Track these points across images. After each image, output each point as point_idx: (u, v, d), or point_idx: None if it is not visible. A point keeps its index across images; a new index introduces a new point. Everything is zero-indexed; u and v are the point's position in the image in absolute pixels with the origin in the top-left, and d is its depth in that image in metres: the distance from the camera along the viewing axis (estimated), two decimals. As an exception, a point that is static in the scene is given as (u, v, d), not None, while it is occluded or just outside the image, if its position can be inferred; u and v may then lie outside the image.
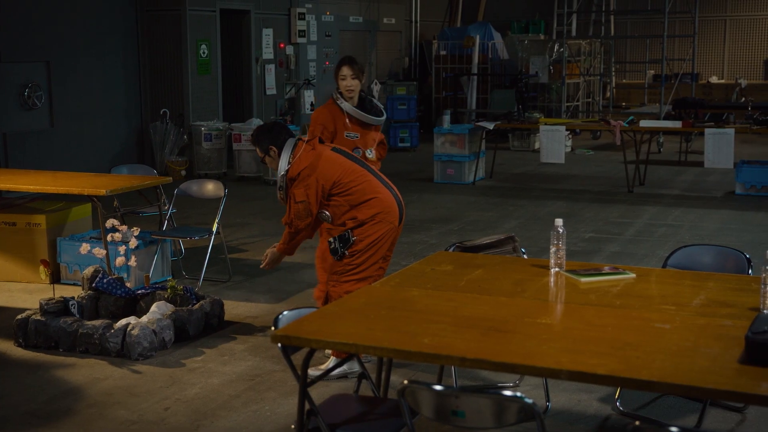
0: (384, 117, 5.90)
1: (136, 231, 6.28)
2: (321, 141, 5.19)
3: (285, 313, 3.53)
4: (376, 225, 4.99)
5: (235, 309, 6.32)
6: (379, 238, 5.00)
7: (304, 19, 15.09)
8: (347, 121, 5.74)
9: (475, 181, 12.05)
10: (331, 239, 5.03)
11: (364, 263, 4.99)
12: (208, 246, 6.99)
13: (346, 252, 4.97)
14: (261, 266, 5.31)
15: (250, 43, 14.09)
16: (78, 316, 5.63)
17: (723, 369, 2.80)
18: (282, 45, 14.74)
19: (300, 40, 15.06)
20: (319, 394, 4.38)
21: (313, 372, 4.60)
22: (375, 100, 5.97)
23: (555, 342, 3.12)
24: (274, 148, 5.08)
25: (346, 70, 5.72)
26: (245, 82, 14.19)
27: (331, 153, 5.10)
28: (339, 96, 5.76)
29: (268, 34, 14.39)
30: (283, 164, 5.02)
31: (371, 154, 5.85)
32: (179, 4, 12.75)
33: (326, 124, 5.72)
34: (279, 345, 3.29)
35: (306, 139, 5.14)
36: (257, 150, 5.16)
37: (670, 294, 3.74)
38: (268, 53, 14.41)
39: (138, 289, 5.96)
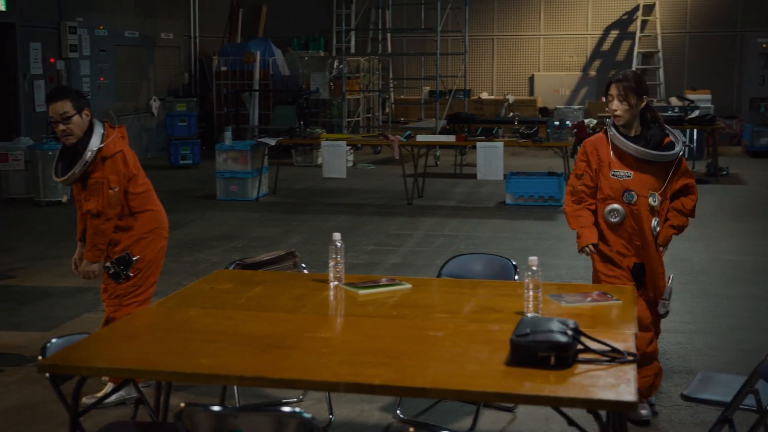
0: (673, 151, 4.48)
1: None
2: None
3: (54, 340, 3.36)
4: (154, 241, 4.84)
5: (1, 339, 5.94)
6: (157, 255, 4.86)
7: (75, 33, 14.48)
8: (612, 154, 4.54)
9: (259, 197, 12.01)
10: (109, 264, 4.79)
11: (145, 283, 4.83)
12: (-29, 273, 6.53)
13: (130, 274, 4.77)
14: (82, 278, 4.93)
15: (17, 58, 13.33)
16: None
17: (491, 372, 2.94)
18: (52, 60, 14.07)
19: (72, 55, 14.43)
20: (95, 422, 4.20)
21: (87, 400, 4.40)
22: (668, 129, 4.59)
23: (333, 355, 3.16)
24: (89, 112, 4.74)
25: (613, 89, 4.50)
26: (12, 98, 13.39)
27: (130, 150, 4.86)
28: (610, 122, 4.62)
29: (36, 48, 13.68)
30: (96, 140, 4.67)
31: (656, 200, 4.52)
32: (-66, 15, 11.88)
33: (590, 157, 4.58)
34: (47, 375, 3.13)
35: (110, 124, 4.83)
36: (67, 104, 4.63)
37: (443, 302, 3.89)
38: (36, 68, 13.70)
39: None
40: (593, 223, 4.57)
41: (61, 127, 4.66)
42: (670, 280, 4.58)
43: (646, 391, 4.53)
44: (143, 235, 4.82)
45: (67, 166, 4.77)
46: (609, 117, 4.59)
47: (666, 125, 4.58)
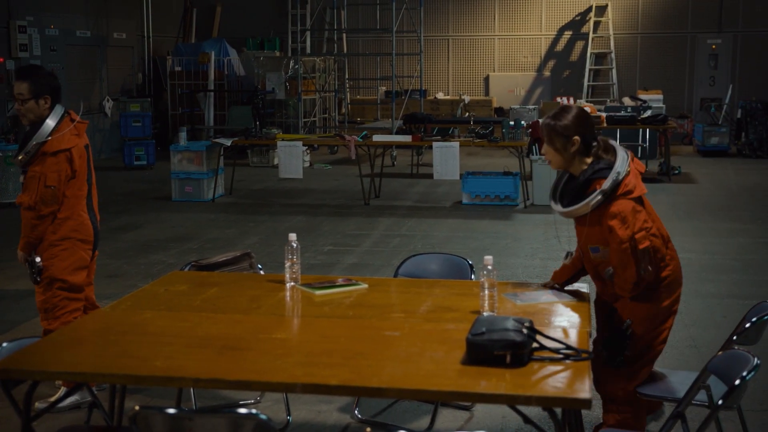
0: (580, 203, 3.73)
1: None
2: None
3: (5, 344, 3.31)
4: (68, 251, 4.64)
5: (-48, 344, 5.83)
6: (72, 266, 4.66)
7: (25, 32, 14.26)
8: None
9: (215, 198, 11.93)
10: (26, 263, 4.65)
11: (73, 294, 4.67)
12: None
13: (37, 279, 4.58)
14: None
15: (-34, 57, 13.11)
16: None
17: (446, 371, 2.95)
18: (1, 59, 13.84)
19: (22, 55, 14.21)
20: (49, 427, 4.15)
21: (40, 405, 4.34)
22: (614, 163, 3.73)
23: (290, 356, 3.15)
24: (50, 99, 4.55)
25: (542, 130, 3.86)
26: (-39, 98, 13.18)
27: (82, 150, 4.68)
28: None
29: (-15, 48, 13.47)
30: (43, 133, 4.49)
31: (598, 253, 3.77)
32: None
33: None
34: (-3, 380, 3.09)
35: (73, 116, 4.64)
36: (25, 86, 4.48)
37: (399, 302, 3.89)
38: (-14, 68, 13.49)
39: None
40: (578, 261, 3.98)
41: (17, 106, 4.57)
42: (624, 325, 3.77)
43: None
44: (55, 243, 4.61)
45: (20, 148, 4.62)
46: None
47: (618, 154, 3.78)
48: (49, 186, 4.52)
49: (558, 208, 3.87)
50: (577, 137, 3.76)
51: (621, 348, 3.72)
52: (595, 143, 3.80)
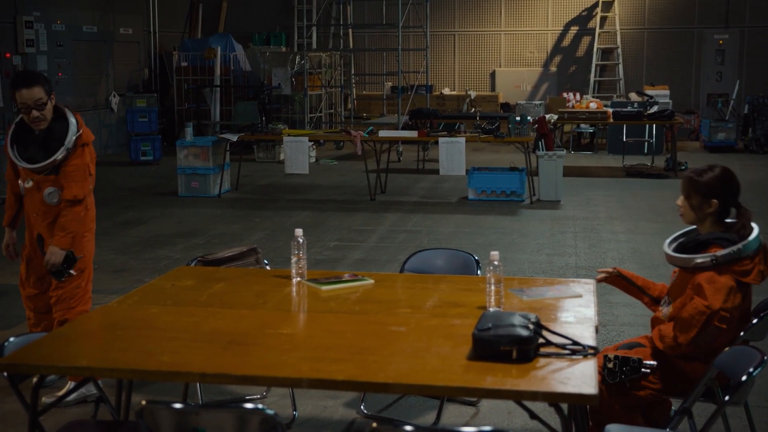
0: (687, 255, 3.66)
1: None
2: None
3: (12, 339, 3.32)
4: (90, 241, 4.74)
5: (-41, 339, 5.84)
6: (91, 255, 4.77)
7: (32, 27, 14.28)
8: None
9: (221, 193, 11.94)
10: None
11: (88, 284, 4.74)
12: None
13: (72, 272, 4.61)
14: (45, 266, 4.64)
15: (-28, 52, 13.13)
16: None
17: (453, 366, 2.95)
18: (8, 55, 13.86)
19: (29, 50, 14.22)
20: (56, 421, 4.15)
21: (47, 399, 4.35)
22: (730, 235, 3.65)
23: (296, 351, 3.15)
24: (54, 94, 4.63)
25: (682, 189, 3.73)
26: (-32, 93, 13.20)
27: None
28: None
29: (-9, 43, 13.48)
30: (74, 126, 4.56)
31: (666, 308, 3.72)
32: None
33: None
34: (5, 374, 3.09)
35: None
36: (40, 91, 4.49)
37: (405, 297, 3.89)
38: (-8, 63, 13.51)
39: None
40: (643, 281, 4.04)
41: (35, 113, 4.51)
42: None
43: None
44: (83, 233, 4.67)
45: (38, 151, 4.56)
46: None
47: (752, 233, 3.63)
48: (92, 174, 4.64)
49: (666, 247, 3.80)
50: (715, 200, 3.66)
51: (623, 372, 3.53)
52: (732, 218, 3.69)
